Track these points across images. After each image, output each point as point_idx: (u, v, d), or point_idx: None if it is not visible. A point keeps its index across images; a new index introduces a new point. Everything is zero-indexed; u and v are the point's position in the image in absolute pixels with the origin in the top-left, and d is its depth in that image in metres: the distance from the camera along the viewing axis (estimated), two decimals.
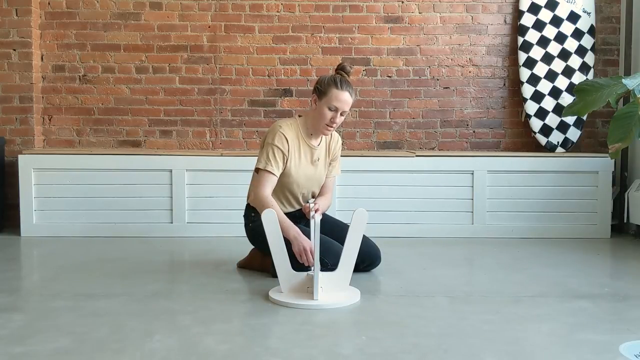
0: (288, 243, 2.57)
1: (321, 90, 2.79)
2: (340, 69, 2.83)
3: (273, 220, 2.51)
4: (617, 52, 4.51)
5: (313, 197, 3.01)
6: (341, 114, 2.78)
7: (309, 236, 2.64)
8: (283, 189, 2.89)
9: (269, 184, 2.79)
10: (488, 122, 4.55)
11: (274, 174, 2.79)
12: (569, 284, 2.80)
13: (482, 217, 4.07)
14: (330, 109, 2.77)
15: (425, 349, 1.92)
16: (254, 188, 2.85)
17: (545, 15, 4.38)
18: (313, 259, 2.58)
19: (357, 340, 2.00)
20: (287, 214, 2.91)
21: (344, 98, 2.75)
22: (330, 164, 3.01)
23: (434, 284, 2.79)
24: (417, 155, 4.11)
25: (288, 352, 1.88)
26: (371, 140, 4.53)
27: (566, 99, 4.31)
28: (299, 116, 2.96)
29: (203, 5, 4.45)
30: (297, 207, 2.97)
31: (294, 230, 2.67)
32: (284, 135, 2.81)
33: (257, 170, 2.83)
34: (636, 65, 4.29)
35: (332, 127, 2.80)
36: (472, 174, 4.07)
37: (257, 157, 2.88)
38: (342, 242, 2.58)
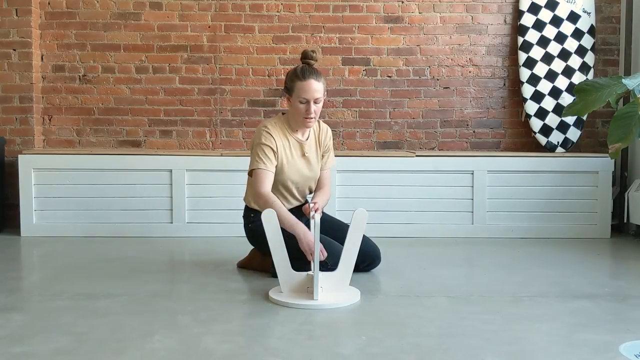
0: (288, 243, 2.56)
1: (288, 87, 2.80)
2: (304, 57, 2.82)
3: (273, 220, 2.51)
4: (617, 52, 4.51)
5: (310, 192, 3.00)
6: (315, 102, 2.76)
7: None
8: (278, 185, 2.88)
9: (267, 181, 2.78)
10: (488, 122, 4.55)
11: (268, 170, 2.78)
12: (569, 284, 2.80)
13: (482, 217, 4.07)
14: (301, 102, 2.76)
15: (425, 349, 1.92)
16: (252, 189, 2.84)
17: (545, 15, 4.38)
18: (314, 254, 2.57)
19: (357, 340, 2.00)
20: None
21: (310, 87, 2.73)
22: (322, 156, 3.01)
23: (434, 284, 2.79)
24: (417, 155, 4.11)
25: (288, 352, 1.88)
26: (371, 140, 4.53)
27: (566, 99, 4.31)
28: (283, 113, 2.96)
29: (203, 5, 4.45)
30: (295, 203, 2.97)
31: (301, 228, 2.64)
32: (269, 133, 2.81)
33: (250, 172, 2.83)
34: (636, 65, 4.29)
35: (310, 118, 2.78)
36: (472, 174, 4.07)
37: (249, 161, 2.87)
38: (342, 242, 2.57)
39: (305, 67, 2.78)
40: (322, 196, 2.93)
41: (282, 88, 2.87)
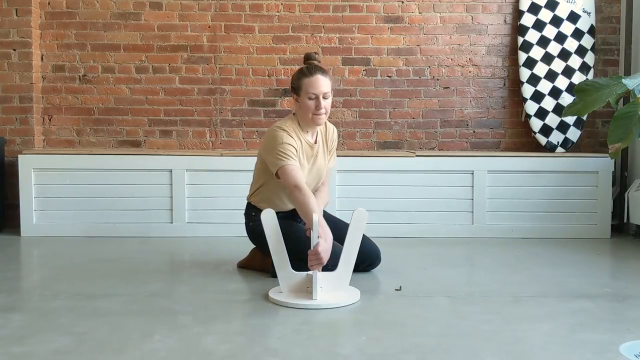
0: (288, 243, 2.54)
1: (295, 87, 2.81)
2: (307, 59, 2.84)
3: (272, 220, 2.51)
4: (617, 52, 4.51)
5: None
6: (324, 98, 2.76)
7: (308, 238, 2.60)
8: (284, 187, 2.87)
9: (300, 173, 2.71)
10: (488, 122, 4.55)
11: (297, 165, 2.74)
12: (569, 284, 2.80)
13: (482, 217, 4.07)
14: (310, 99, 2.76)
15: (425, 349, 1.92)
16: (285, 184, 2.75)
17: (545, 15, 4.38)
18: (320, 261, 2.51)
19: (357, 340, 2.00)
20: (287, 212, 2.91)
21: (318, 82, 2.74)
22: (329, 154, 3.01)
23: (434, 284, 2.79)
24: (417, 155, 4.11)
25: (288, 352, 1.88)
26: (371, 140, 4.53)
27: (566, 99, 4.31)
28: (294, 114, 2.95)
29: (203, 5, 4.45)
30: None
31: (328, 233, 2.56)
32: (287, 132, 2.80)
33: (277, 174, 2.75)
34: (636, 65, 4.29)
35: (320, 114, 2.77)
36: (472, 174, 4.07)
37: (266, 165, 2.81)
38: (342, 242, 2.57)
39: (311, 65, 2.80)
40: (322, 196, 2.92)
41: (289, 89, 2.84)
